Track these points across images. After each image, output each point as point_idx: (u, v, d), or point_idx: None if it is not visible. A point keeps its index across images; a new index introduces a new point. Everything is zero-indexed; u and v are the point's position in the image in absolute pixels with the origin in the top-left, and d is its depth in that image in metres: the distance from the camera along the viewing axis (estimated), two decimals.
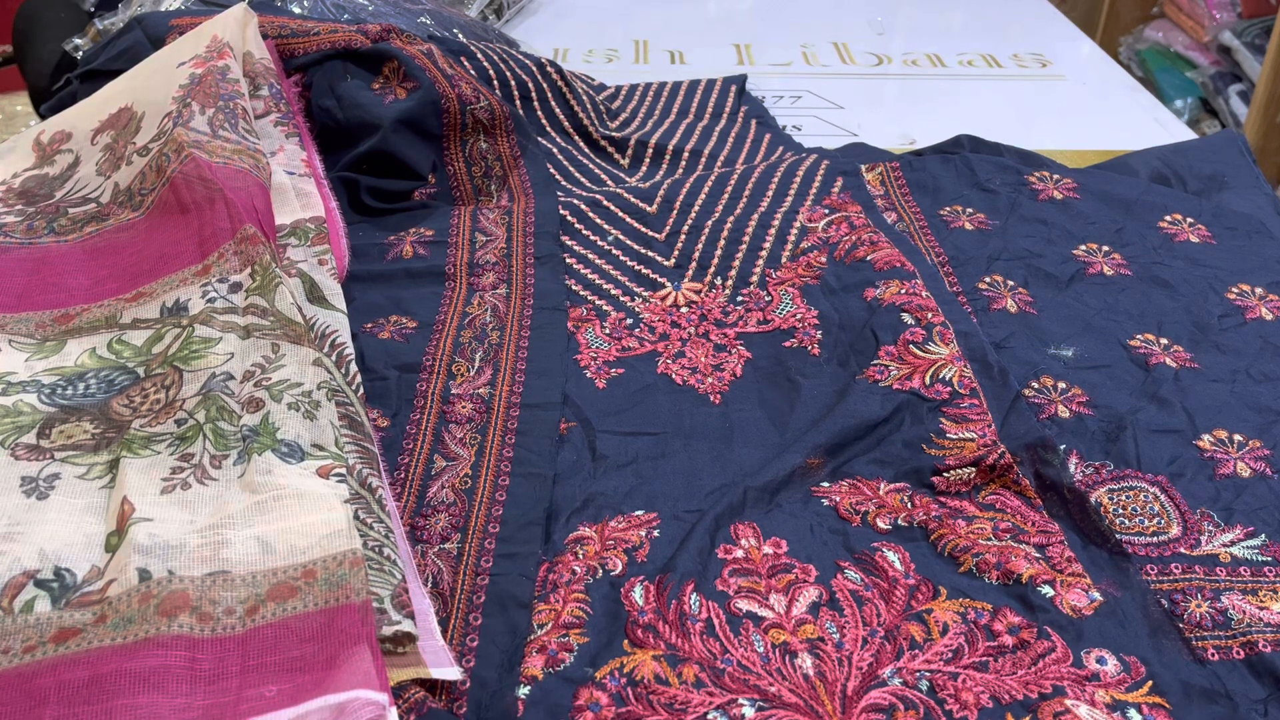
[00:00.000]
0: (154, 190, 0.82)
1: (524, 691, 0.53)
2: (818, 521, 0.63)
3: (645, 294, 0.86)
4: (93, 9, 1.27)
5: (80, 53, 1.20)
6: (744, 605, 0.58)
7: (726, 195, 0.97)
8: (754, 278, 0.87)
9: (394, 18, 1.22)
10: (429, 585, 0.59)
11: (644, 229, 0.94)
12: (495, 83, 1.10)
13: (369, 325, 0.80)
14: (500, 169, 1.03)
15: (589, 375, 0.77)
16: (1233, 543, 0.62)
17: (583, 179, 1.05)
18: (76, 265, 0.79)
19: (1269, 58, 1.86)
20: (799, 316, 0.82)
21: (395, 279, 0.87)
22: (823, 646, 0.55)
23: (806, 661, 0.54)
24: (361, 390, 0.68)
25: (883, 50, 1.51)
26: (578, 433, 0.71)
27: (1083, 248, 0.91)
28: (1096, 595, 0.58)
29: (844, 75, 1.42)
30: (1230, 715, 0.52)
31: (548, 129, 1.11)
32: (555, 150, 1.08)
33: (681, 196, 0.97)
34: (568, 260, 0.90)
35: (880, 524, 0.63)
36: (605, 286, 0.87)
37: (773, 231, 0.92)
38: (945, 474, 0.66)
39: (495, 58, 1.12)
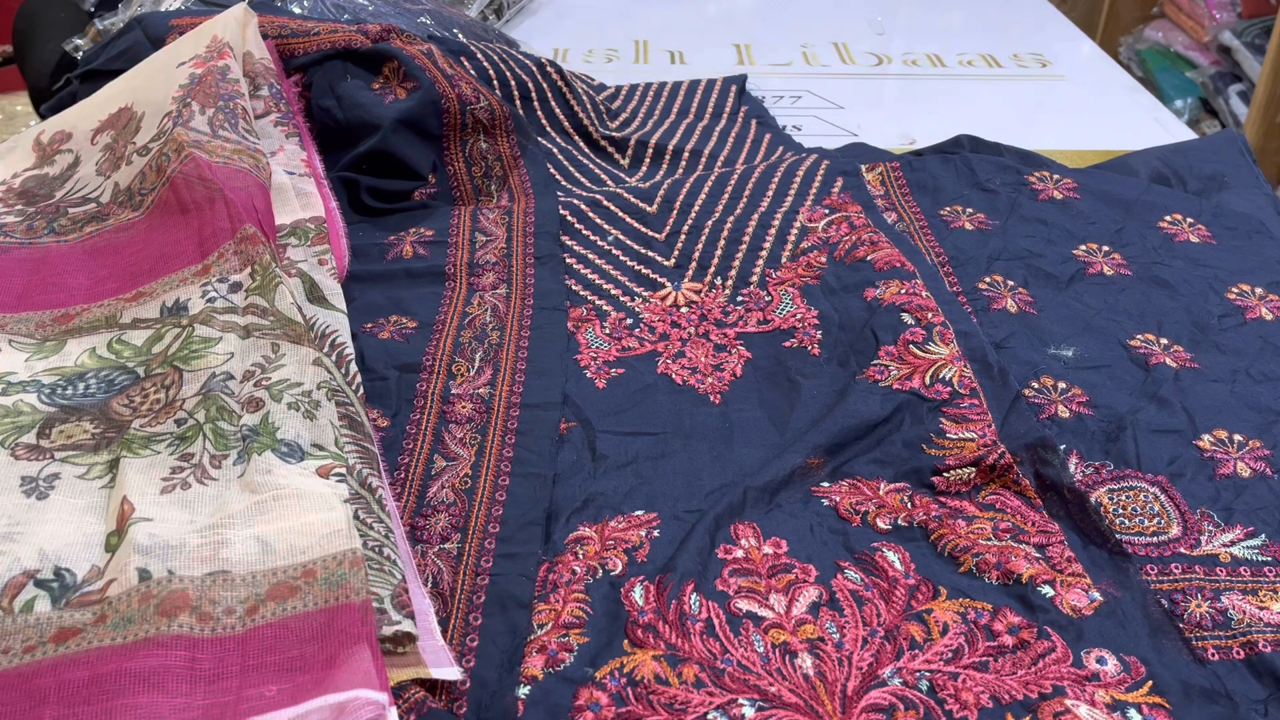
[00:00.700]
0: (154, 190, 0.82)
1: (524, 691, 0.53)
2: (818, 521, 0.63)
3: (645, 294, 0.86)
4: (93, 9, 1.27)
5: (80, 53, 1.20)
6: (744, 605, 0.58)
7: (726, 195, 0.97)
8: (754, 278, 0.87)
9: (394, 18, 1.22)
10: (429, 585, 0.59)
11: (644, 229, 0.94)
12: (495, 83, 1.10)
13: (369, 325, 0.80)
14: (500, 169, 1.03)
15: (589, 375, 0.77)
16: (1233, 543, 0.62)
17: (583, 179, 1.05)
18: (76, 265, 0.79)
19: (1269, 58, 1.86)
20: (799, 316, 0.82)
21: (395, 279, 0.87)
22: (823, 646, 0.55)
23: (806, 661, 0.54)
24: (361, 390, 0.68)
25: (883, 50, 1.51)
26: (578, 433, 0.71)
27: (1083, 248, 0.91)
28: (1096, 595, 0.58)
29: (844, 75, 1.42)
30: (1230, 715, 0.52)
31: (548, 129, 1.11)
32: (555, 150, 1.08)
33: (681, 196, 0.97)
34: (568, 260, 0.90)
35: (880, 524, 0.63)
36: (605, 286, 0.87)
37: (773, 231, 0.92)
38: (945, 474, 0.66)
39: (495, 58, 1.12)
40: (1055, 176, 1.01)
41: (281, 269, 0.75)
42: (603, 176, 1.06)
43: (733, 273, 0.88)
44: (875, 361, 0.75)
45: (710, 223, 0.93)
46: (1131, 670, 0.54)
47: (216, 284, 0.73)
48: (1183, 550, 0.62)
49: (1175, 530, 0.63)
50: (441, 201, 1.00)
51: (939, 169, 1.03)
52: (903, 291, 0.81)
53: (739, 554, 0.61)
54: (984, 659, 0.54)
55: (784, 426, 0.72)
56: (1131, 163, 1.06)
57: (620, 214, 0.96)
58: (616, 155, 1.11)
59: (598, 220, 0.95)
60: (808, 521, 0.63)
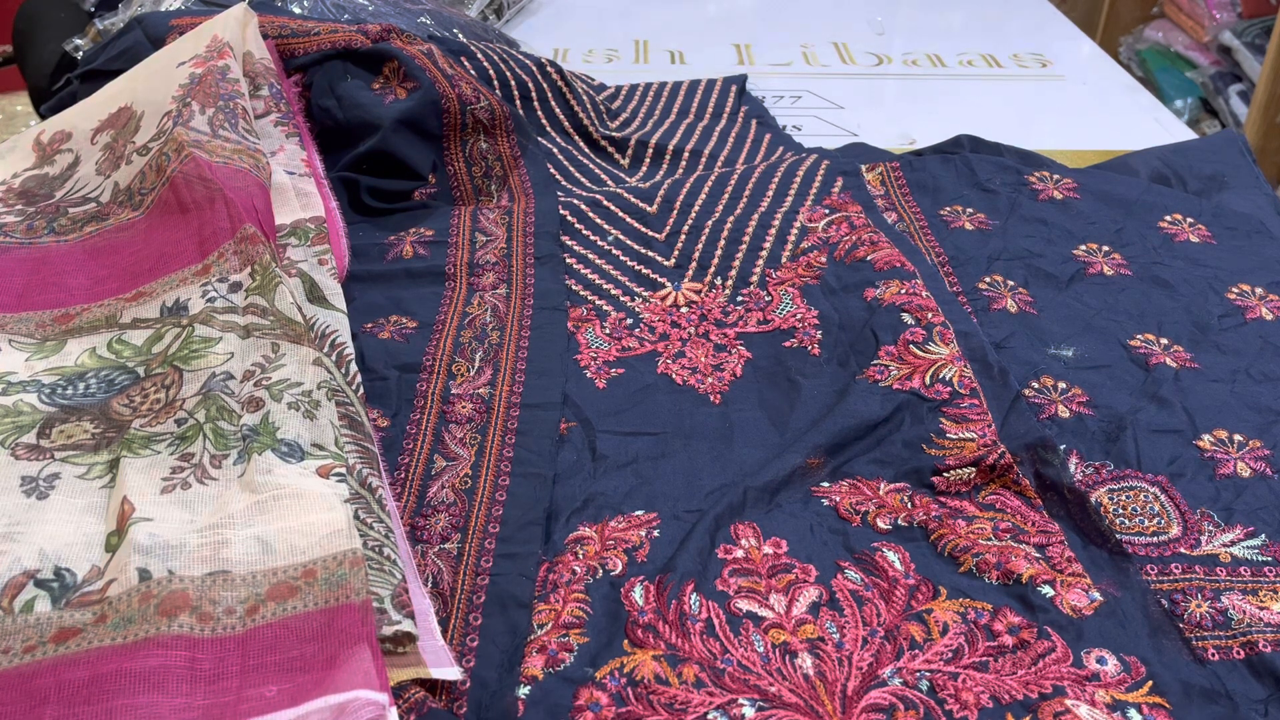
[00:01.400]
0: (154, 190, 0.82)
1: (524, 691, 0.53)
2: (818, 521, 0.63)
3: (645, 294, 0.86)
4: (93, 9, 1.27)
5: (80, 53, 1.20)
6: (744, 605, 0.58)
7: (726, 195, 0.97)
8: (754, 278, 0.87)
9: (394, 18, 1.22)
10: (429, 585, 0.59)
11: (644, 229, 0.94)
12: (495, 83, 1.10)
13: (369, 325, 0.80)
14: (500, 169, 1.03)
15: (589, 375, 0.77)
16: (1233, 543, 0.62)
17: (583, 179, 1.05)
18: (76, 265, 0.79)
19: (1269, 58, 1.86)
20: (799, 316, 0.82)
21: (395, 279, 0.87)
22: (823, 646, 0.55)
23: (806, 661, 0.54)
24: (361, 390, 0.68)
25: (883, 50, 1.51)
26: (578, 433, 0.71)
27: (1083, 248, 0.91)
28: (1096, 595, 0.58)
29: (844, 75, 1.42)
30: (1230, 715, 0.52)
31: (548, 129, 1.11)
32: (555, 150, 1.08)
33: (681, 196, 0.97)
34: (568, 260, 0.90)
35: (880, 524, 0.63)
36: (605, 286, 0.87)
37: (773, 231, 0.92)
38: (945, 474, 0.66)
39: (495, 58, 1.12)
40: (1055, 176, 1.01)
41: (281, 269, 0.75)
42: (603, 176, 1.06)
43: (733, 273, 0.88)
44: (875, 361, 0.75)
45: (710, 223, 0.93)
46: (1132, 670, 0.54)
47: (216, 284, 0.73)
48: (1183, 550, 0.62)
49: (1175, 530, 0.63)
50: (441, 201, 1.00)
51: (939, 169, 1.03)
52: (903, 291, 0.81)
53: (739, 554, 0.61)
54: (984, 659, 0.54)
55: (784, 426, 0.72)
56: (1131, 163, 1.06)
57: (620, 214, 0.96)
58: (616, 155, 1.11)
59: (598, 220, 0.95)
60: (808, 521, 0.63)
